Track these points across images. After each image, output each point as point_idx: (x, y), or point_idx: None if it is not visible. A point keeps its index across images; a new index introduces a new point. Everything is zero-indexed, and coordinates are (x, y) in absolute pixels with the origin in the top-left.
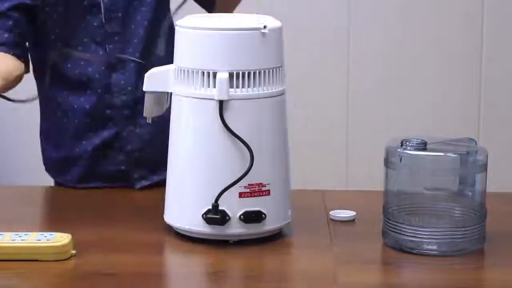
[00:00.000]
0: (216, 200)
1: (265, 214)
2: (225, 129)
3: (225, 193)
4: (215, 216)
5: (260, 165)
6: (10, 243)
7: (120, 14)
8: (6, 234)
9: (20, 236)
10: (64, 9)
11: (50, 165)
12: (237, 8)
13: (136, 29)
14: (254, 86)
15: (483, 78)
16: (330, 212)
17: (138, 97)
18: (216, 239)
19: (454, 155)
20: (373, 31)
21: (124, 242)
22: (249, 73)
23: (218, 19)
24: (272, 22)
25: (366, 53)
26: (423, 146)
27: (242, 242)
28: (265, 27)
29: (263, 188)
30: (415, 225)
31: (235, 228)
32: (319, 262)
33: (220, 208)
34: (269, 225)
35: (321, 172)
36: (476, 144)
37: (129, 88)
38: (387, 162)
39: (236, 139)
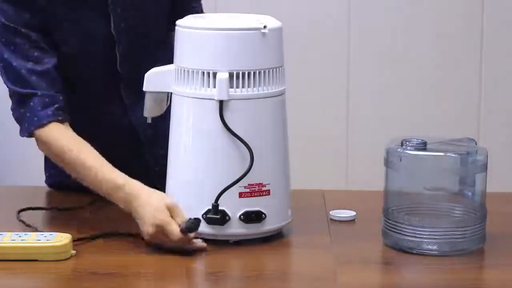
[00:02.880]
0: (216, 200)
1: (265, 214)
2: (225, 129)
3: (225, 193)
4: (215, 216)
5: (260, 165)
6: (10, 243)
7: (134, 58)
8: (6, 234)
9: (20, 236)
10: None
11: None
12: (237, 8)
13: (148, 66)
14: (254, 86)
15: (483, 78)
16: (330, 212)
17: (161, 128)
18: (216, 239)
19: (454, 155)
20: (373, 31)
21: (124, 242)
22: (249, 73)
23: (218, 19)
24: (272, 22)
25: (366, 53)
26: (423, 146)
27: (242, 242)
28: (265, 27)
29: (263, 188)
30: (415, 225)
31: (235, 228)
32: (319, 262)
33: (220, 208)
34: (269, 225)
35: (321, 172)
36: (476, 144)
37: (152, 121)
38: (387, 162)
39: (236, 139)
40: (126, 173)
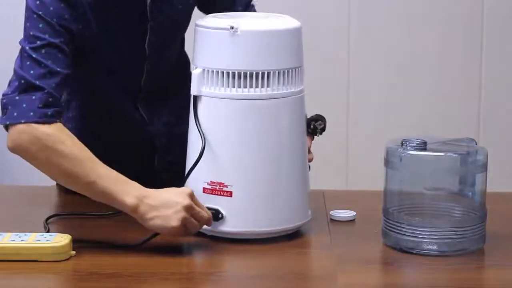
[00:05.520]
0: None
1: (222, 214)
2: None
3: (192, 186)
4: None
5: (224, 165)
6: (10, 243)
7: (159, 74)
8: (6, 234)
9: (20, 237)
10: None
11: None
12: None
13: (167, 81)
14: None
15: (483, 78)
16: (330, 212)
17: (175, 135)
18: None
19: (454, 155)
20: (373, 31)
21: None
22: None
23: (244, 19)
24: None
25: (366, 53)
26: (423, 146)
27: (242, 242)
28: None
29: (224, 189)
30: (415, 225)
31: None
32: (319, 262)
33: None
34: (230, 227)
35: (321, 172)
36: (476, 144)
37: (167, 129)
38: (387, 162)
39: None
40: (133, 179)
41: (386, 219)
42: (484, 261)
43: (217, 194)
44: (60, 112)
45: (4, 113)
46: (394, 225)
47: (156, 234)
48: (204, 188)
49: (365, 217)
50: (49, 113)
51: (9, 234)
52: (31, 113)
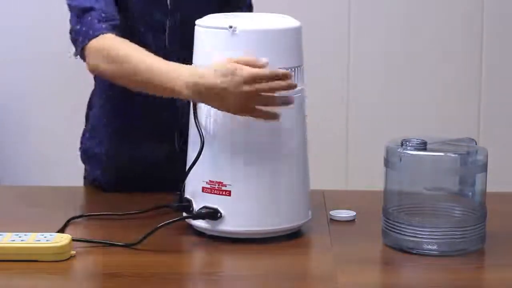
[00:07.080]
0: (182, 189)
1: (220, 214)
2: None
3: (192, 185)
4: (181, 203)
5: (222, 164)
6: (10, 243)
7: (181, 34)
8: (6, 234)
9: (20, 237)
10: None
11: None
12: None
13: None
14: None
15: (483, 78)
16: (330, 212)
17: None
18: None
19: (454, 155)
20: (373, 31)
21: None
22: None
23: (238, 19)
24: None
25: (366, 53)
26: (423, 146)
27: (242, 242)
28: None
29: (223, 188)
30: (415, 225)
31: (196, 220)
32: (319, 262)
33: (188, 197)
34: (230, 226)
35: (321, 172)
36: (476, 144)
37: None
38: (387, 162)
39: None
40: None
41: (386, 219)
42: (484, 261)
43: (216, 193)
44: (117, 26)
45: (75, 47)
46: (394, 225)
47: (154, 231)
48: (203, 187)
49: (365, 217)
50: (104, 26)
51: (9, 234)
52: (90, 32)
